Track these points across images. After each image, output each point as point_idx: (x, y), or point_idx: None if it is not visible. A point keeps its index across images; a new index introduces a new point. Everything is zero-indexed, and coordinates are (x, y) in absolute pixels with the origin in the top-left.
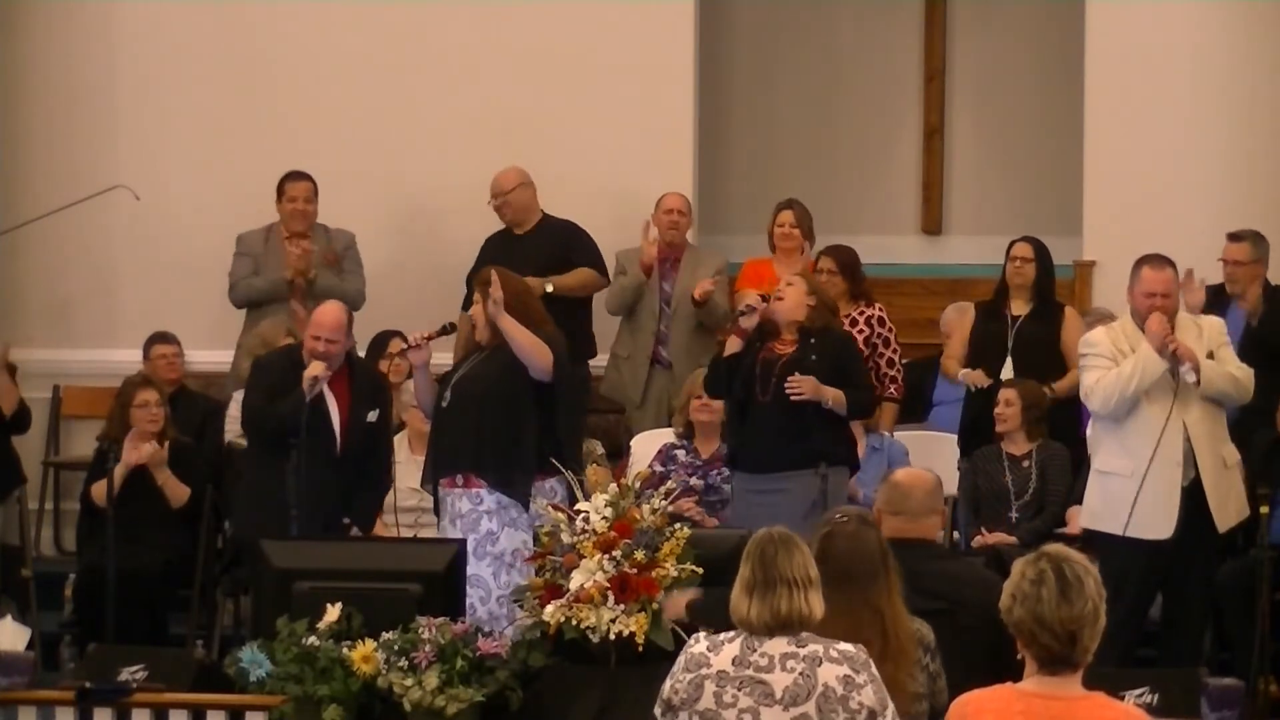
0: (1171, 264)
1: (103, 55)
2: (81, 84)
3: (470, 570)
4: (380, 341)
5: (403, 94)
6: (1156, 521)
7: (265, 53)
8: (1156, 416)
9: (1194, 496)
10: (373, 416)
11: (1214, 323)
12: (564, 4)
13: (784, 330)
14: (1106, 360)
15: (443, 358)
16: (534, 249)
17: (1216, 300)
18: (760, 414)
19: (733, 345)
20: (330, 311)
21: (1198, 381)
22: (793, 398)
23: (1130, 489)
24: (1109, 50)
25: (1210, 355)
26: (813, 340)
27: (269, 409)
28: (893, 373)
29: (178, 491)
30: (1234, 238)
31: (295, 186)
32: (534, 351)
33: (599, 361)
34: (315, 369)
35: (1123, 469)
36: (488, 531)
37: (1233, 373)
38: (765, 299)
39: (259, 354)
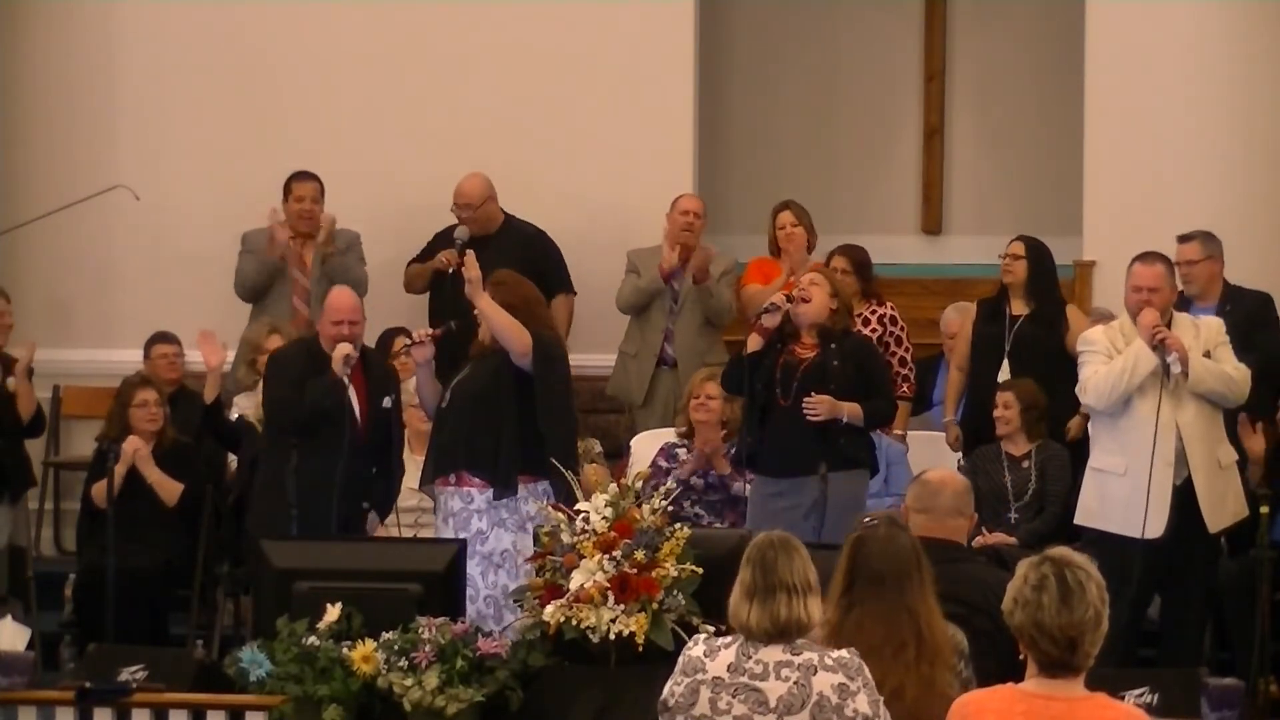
0: (1164, 259)
1: (103, 55)
2: (81, 84)
3: None
4: (386, 339)
5: (403, 94)
6: (1147, 520)
7: (265, 52)
8: (1149, 415)
9: (1187, 496)
10: (387, 403)
11: (1212, 322)
12: (564, 4)
13: (805, 333)
14: (1103, 357)
15: None
16: (497, 257)
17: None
18: (781, 418)
19: (754, 343)
20: (344, 295)
21: (1184, 373)
22: (810, 417)
23: (1122, 487)
24: (1109, 50)
25: (1208, 355)
26: (833, 345)
27: (299, 397)
28: (905, 371)
29: (169, 489)
30: (1183, 239)
31: (302, 186)
32: (511, 333)
33: (608, 359)
34: (344, 349)
35: (1116, 467)
36: (477, 530)
37: (1228, 372)
38: (789, 298)
39: (251, 359)
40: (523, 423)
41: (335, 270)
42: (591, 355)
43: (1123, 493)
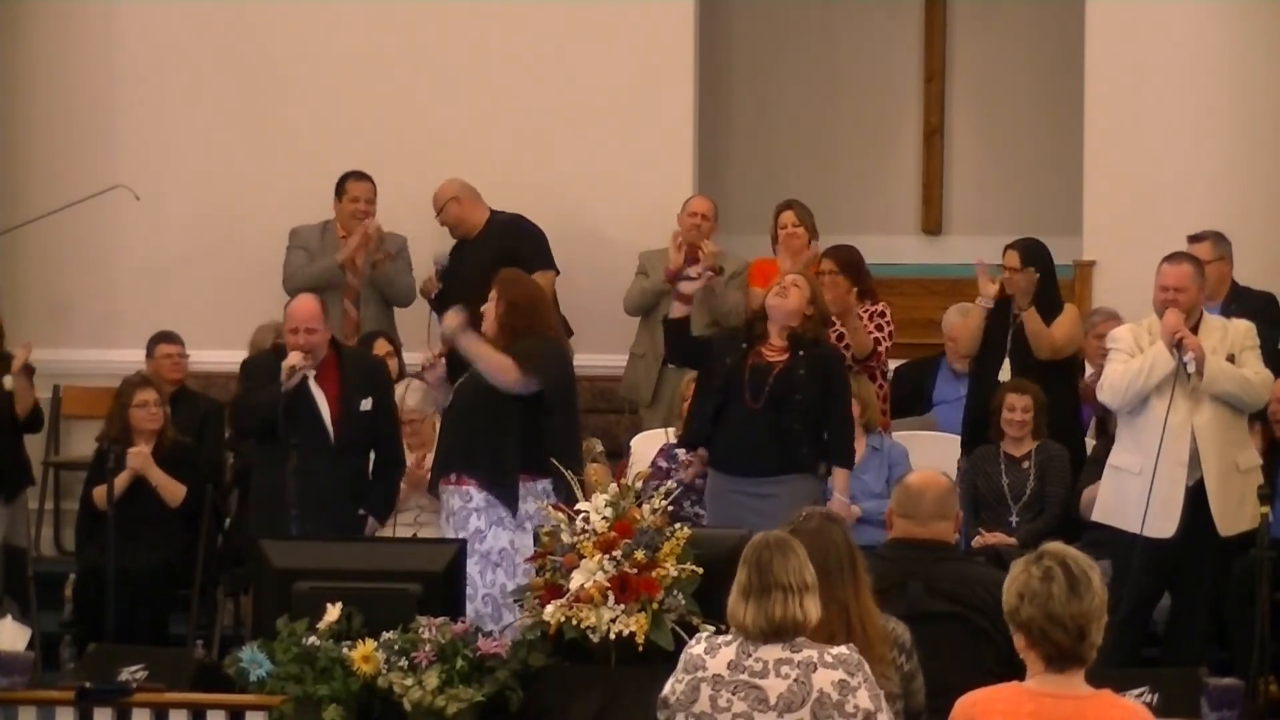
0: (1191, 259)
1: (103, 55)
2: (81, 84)
3: None
4: (367, 341)
5: (404, 94)
6: (1158, 521)
7: (266, 52)
8: (1164, 415)
9: (1199, 498)
10: (366, 405)
11: (1241, 325)
12: (565, 5)
13: (775, 334)
14: (1125, 355)
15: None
16: (478, 254)
17: None
18: (750, 419)
19: (678, 310)
20: (303, 302)
21: (1199, 372)
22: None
23: (1137, 486)
24: (1109, 50)
25: (1232, 358)
26: (801, 353)
27: (245, 402)
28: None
29: (173, 490)
30: (1194, 239)
31: (358, 186)
32: (496, 369)
33: (619, 360)
34: (292, 359)
35: (1132, 465)
36: (476, 529)
37: (1246, 375)
38: (720, 270)
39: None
40: (522, 421)
41: (383, 278)
42: (593, 355)
43: (1137, 491)
